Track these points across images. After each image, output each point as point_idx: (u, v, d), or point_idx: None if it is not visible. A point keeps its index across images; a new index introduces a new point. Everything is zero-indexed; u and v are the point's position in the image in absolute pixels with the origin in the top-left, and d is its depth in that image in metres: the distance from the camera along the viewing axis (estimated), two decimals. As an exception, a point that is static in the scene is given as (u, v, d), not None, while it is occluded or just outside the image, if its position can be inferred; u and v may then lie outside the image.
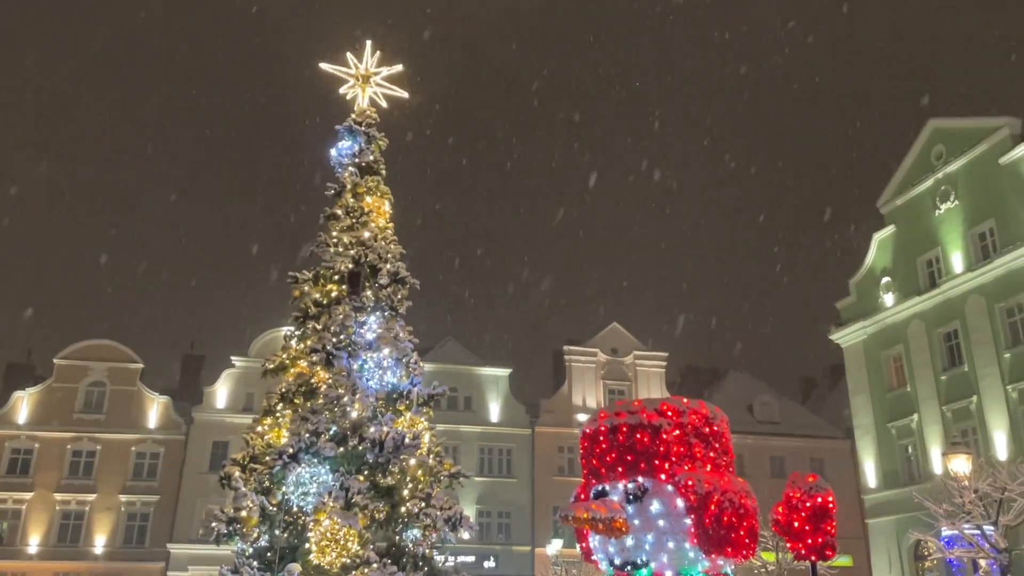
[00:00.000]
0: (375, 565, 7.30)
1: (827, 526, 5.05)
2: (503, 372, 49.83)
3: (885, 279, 35.97)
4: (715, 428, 6.08)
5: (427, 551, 8.22)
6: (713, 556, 5.63)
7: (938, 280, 33.08)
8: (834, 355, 41.56)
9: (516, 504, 46.92)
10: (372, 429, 7.96)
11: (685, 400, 6.09)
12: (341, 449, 7.89)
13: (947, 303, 32.41)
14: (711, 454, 5.97)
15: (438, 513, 8.11)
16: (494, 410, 48.75)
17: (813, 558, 5.04)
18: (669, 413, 5.93)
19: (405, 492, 8.08)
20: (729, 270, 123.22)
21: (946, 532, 15.10)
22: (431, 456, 8.55)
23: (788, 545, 5.17)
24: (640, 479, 5.73)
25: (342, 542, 7.20)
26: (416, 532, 8.21)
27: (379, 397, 8.46)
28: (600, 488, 5.91)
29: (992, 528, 12.60)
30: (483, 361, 50.01)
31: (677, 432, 5.84)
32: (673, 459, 5.73)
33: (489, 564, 43.66)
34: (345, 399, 8.06)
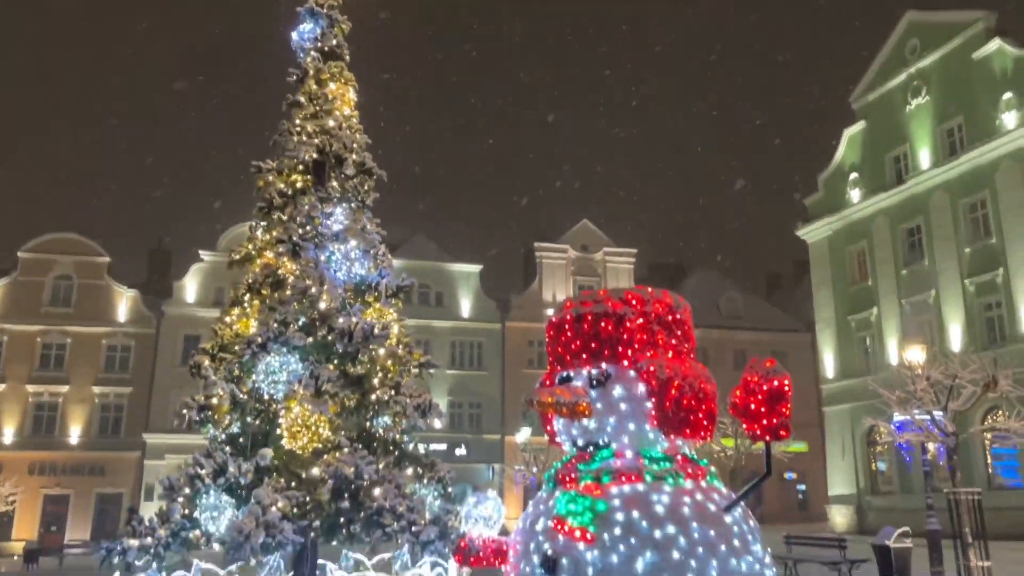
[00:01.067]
0: (346, 450, 7.47)
1: (782, 408, 5.21)
2: (474, 268, 50.04)
3: (853, 175, 36.19)
4: (678, 317, 6.18)
5: (397, 437, 8.40)
6: (672, 437, 5.83)
7: (905, 176, 33.36)
8: (800, 252, 42.10)
9: (486, 395, 48.02)
10: (341, 320, 8.00)
11: (650, 290, 6.17)
12: (310, 339, 7.94)
13: (912, 199, 32.79)
14: (673, 341, 6.09)
15: (408, 401, 8.27)
16: (465, 306, 49.20)
17: (767, 438, 5.23)
18: (633, 302, 6.01)
19: (375, 381, 8.21)
20: (700, 168, 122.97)
21: (898, 418, 15.77)
22: (400, 346, 8.64)
23: (744, 427, 5.34)
24: (604, 365, 5.85)
25: (313, 428, 7.34)
26: (386, 419, 8.38)
27: (347, 289, 8.47)
28: (565, 375, 6.04)
29: (942, 414, 13.18)
30: (454, 257, 50.11)
31: (641, 320, 5.93)
32: (636, 346, 5.84)
33: (460, 452, 44.97)
34: (313, 290, 8.06)
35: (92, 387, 42.99)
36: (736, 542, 5.49)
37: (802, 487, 48.59)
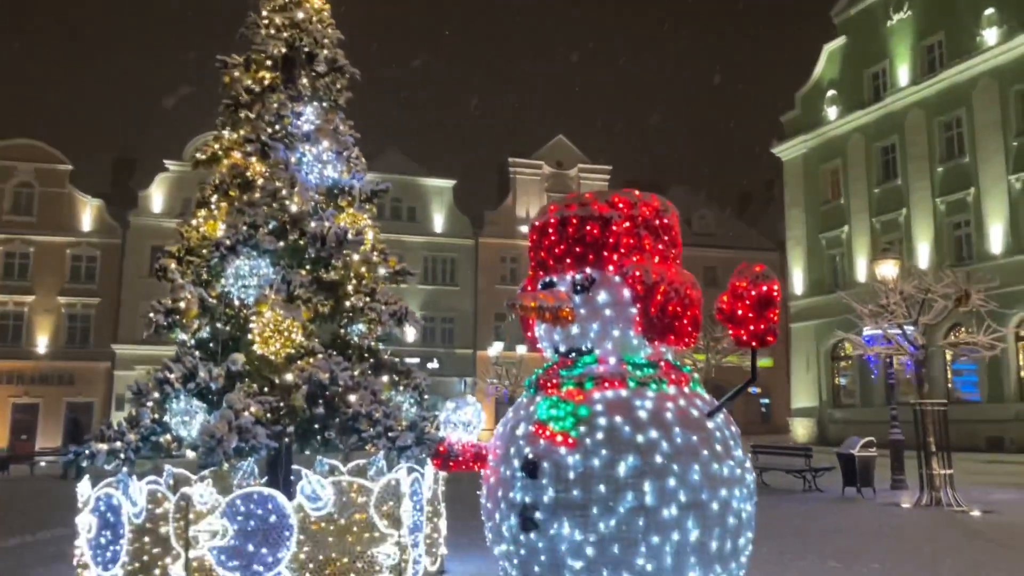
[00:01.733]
0: (320, 356, 7.30)
1: (770, 314, 5.09)
2: (447, 183, 49.44)
3: (831, 92, 35.84)
4: (665, 221, 5.99)
5: (373, 344, 8.24)
6: (656, 343, 5.71)
7: (883, 93, 33.11)
8: (773, 171, 42.07)
9: (459, 310, 48.14)
10: (313, 224, 7.72)
11: (637, 192, 5.96)
12: (281, 243, 7.66)
13: (889, 117, 32.62)
14: (660, 246, 5.91)
15: (383, 308, 8.07)
16: (438, 221, 48.78)
17: (754, 344, 5.12)
18: (620, 205, 5.80)
19: (349, 287, 7.98)
20: (676, 84, 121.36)
21: (868, 331, 15.99)
22: (375, 253, 8.39)
23: (731, 333, 5.22)
24: (588, 270, 5.67)
25: (286, 333, 7.15)
26: (361, 326, 8.19)
27: (320, 192, 8.15)
28: (548, 280, 5.86)
29: (912, 327, 13.34)
30: (427, 172, 49.39)
31: (627, 224, 5.73)
32: (622, 251, 5.66)
33: (432, 365, 45.29)
34: (283, 192, 7.74)
35: (58, 297, 42.35)
36: (718, 447, 5.46)
37: (765, 401, 49.87)
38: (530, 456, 5.45)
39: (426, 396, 8.61)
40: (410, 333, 8.74)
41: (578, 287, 5.88)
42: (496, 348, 37.03)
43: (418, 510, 7.66)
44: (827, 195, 35.84)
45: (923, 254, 30.30)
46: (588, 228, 5.87)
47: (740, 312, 5.44)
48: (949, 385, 29.59)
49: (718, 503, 5.35)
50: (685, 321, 5.91)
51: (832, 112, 35.52)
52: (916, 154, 31.24)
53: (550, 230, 6.03)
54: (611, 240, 5.84)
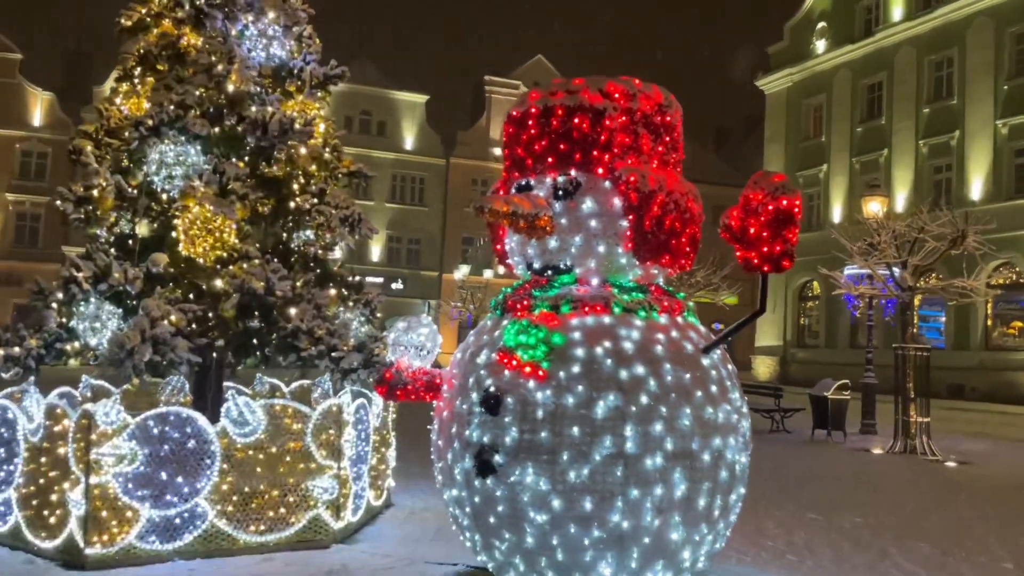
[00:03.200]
0: (256, 261, 6.33)
1: (789, 233, 4.21)
2: (420, 99, 47.62)
3: (821, 24, 34.61)
4: (668, 119, 5.06)
5: (320, 253, 7.27)
6: (648, 264, 4.83)
7: (874, 29, 31.98)
8: (752, 107, 41.03)
9: (426, 231, 46.99)
10: (254, 108, 6.66)
11: (636, 82, 4.98)
12: (216, 128, 6.58)
13: (878, 53, 31.57)
14: (660, 148, 5.00)
15: (333, 212, 7.08)
16: (408, 138, 47.14)
17: (767, 268, 4.26)
18: (616, 96, 4.84)
19: (294, 186, 6.96)
20: (663, 11, 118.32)
21: (850, 271, 15.37)
22: (327, 148, 7.34)
23: (738, 254, 4.34)
24: (573, 172, 4.73)
25: (216, 233, 6.16)
26: (307, 232, 7.19)
27: (264, 73, 7.04)
28: (524, 182, 4.92)
29: (899, 268, 12.67)
30: (399, 85, 47.44)
31: (623, 119, 4.79)
32: (615, 151, 4.73)
33: (397, 286, 44.36)
34: (220, 68, 6.63)
35: (6, 194, 40.42)
36: (714, 388, 4.66)
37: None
38: (492, 389, 4.61)
39: (379, 314, 7.69)
40: (374, 250, 7.74)
41: (560, 192, 4.95)
42: (462, 271, 36.11)
43: (363, 440, 6.84)
44: (808, 132, 34.96)
45: (901, 198, 29.70)
46: (576, 122, 4.89)
47: (753, 230, 4.56)
48: (915, 331, 29.34)
49: (710, 454, 4.56)
50: (683, 239, 5.02)
51: (820, 45, 34.36)
52: (903, 93, 30.35)
53: (529, 122, 5.03)
54: (603, 137, 4.87)
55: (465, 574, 5.52)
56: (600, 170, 4.75)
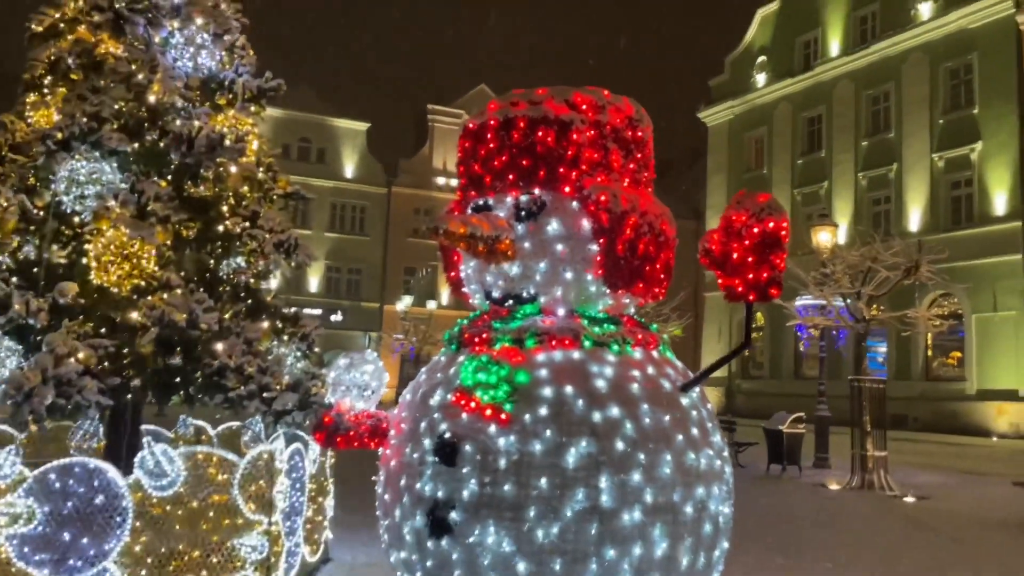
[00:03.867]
0: (179, 291, 5.66)
1: (776, 258, 3.76)
2: (361, 126, 47.03)
3: (761, 58, 35.21)
4: (639, 133, 4.62)
5: (251, 282, 6.62)
6: (620, 292, 4.33)
7: (812, 63, 32.63)
8: (693, 139, 41.53)
9: (367, 261, 46.13)
10: (179, 122, 6.03)
11: (605, 92, 4.52)
12: (136, 144, 5.92)
13: (817, 87, 32.18)
14: (631, 166, 4.55)
15: (267, 236, 6.46)
16: (349, 166, 46.41)
17: (752, 297, 3.80)
18: (583, 107, 4.38)
19: (223, 208, 6.32)
20: (604, 43, 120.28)
21: (801, 301, 15.24)
22: (261, 168, 6.73)
23: (719, 282, 3.88)
24: (537, 191, 4.23)
25: (133, 260, 5.47)
26: (238, 259, 6.54)
27: (191, 84, 6.41)
28: (482, 202, 4.40)
29: (857, 298, 12.48)
30: (340, 112, 46.77)
31: (592, 133, 4.33)
32: (583, 168, 4.26)
33: (336, 318, 43.29)
34: (141, 78, 6.00)
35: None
36: (695, 431, 4.16)
37: (673, 369, 49.87)
38: (447, 435, 4.04)
39: (316, 348, 7.05)
40: (312, 280, 7.13)
41: (522, 212, 4.44)
42: (405, 302, 35.37)
43: (298, 489, 6.16)
44: (750, 164, 35.39)
45: (841, 230, 30.05)
46: (540, 135, 4.41)
47: (736, 255, 4.12)
48: (866, 363, 29.60)
49: (693, 505, 4.05)
50: (658, 265, 4.54)
51: (761, 79, 34.93)
52: (842, 126, 30.92)
53: (488, 135, 4.55)
54: (569, 153, 4.40)
55: (413, 643, 4.87)
56: (567, 188, 4.26)
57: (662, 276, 4.49)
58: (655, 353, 4.37)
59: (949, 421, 26.07)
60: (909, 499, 11.31)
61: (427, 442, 4.06)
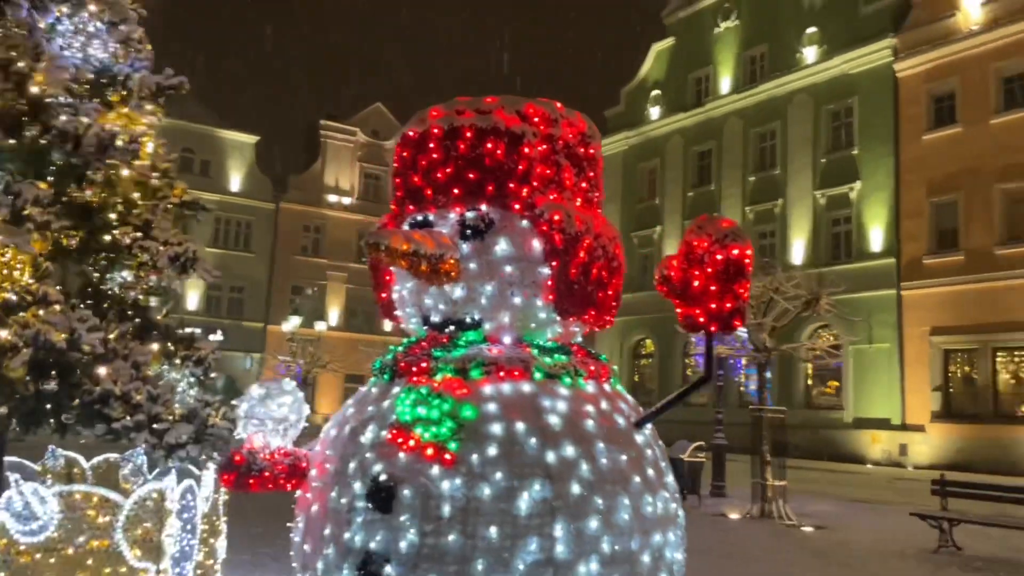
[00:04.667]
0: (58, 307, 4.96)
1: (739, 287, 3.53)
2: (249, 139, 45.40)
3: (655, 92, 36.13)
4: (591, 151, 4.34)
5: (141, 299, 5.94)
6: (571, 320, 3.99)
7: (704, 99, 33.68)
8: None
9: (251, 279, 44.35)
10: (64, 118, 5.32)
11: (558, 105, 4.21)
12: (12, 140, 5.19)
13: (708, 122, 33.22)
14: (583, 184, 4.26)
15: (160, 248, 5.80)
16: (235, 180, 44.66)
17: (714, 328, 3.54)
18: (536, 119, 4.04)
19: (112, 215, 5.64)
20: (503, 69, 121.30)
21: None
22: (156, 173, 6.07)
23: (679, 311, 3.60)
24: (484, 208, 3.85)
25: (5, 270, 4.74)
26: (125, 273, 5.86)
27: (80, 78, 5.72)
28: (421, 218, 3.98)
29: (758, 330, 12.67)
30: (227, 124, 45.02)
31: (544, 147, 4.00)
32: (535, 184, 3.91)
33: (216, 337, 41.27)
34: (22, 66, 5.28)
35: None
36: (650, 471, 3.85)
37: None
38: (382, 478, 3.58)
39: (213, 374, 6.41)
40: (192, 297, 6.50)
41: (468, 230, 4.08)
42: (293, 323, 34.05)
43: (189, 532, 5.51)
44: (643, 194, 36.12)
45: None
46: (489, 147, 4.04)
47: (698, 283, 3.88)
48: (741, 389, 30.52)
49: (650, 554, 3.71)
50: (610, 291, 4.27)
51: (655, 112, 35.81)
52: (731, 162, 31.99)
53: (431, 144, 4.15)
54: (520, 167, 4.05)
55: None
56: (517, 206, 3.91)
57: (613, 303, 4.19)
58: (607, 386, 4.06)
59: (827, 448, 27.09)
60: (807, 529, 11.46)
61: (357, 485, 3.58)
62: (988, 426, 24.20)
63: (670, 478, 4.07)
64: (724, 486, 14.84)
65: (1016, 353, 24.30)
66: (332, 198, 45.94)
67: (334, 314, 44.46)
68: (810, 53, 29.68)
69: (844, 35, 28.51)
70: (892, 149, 27.04)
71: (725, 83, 32.86)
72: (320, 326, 36.77)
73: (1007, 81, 24.91)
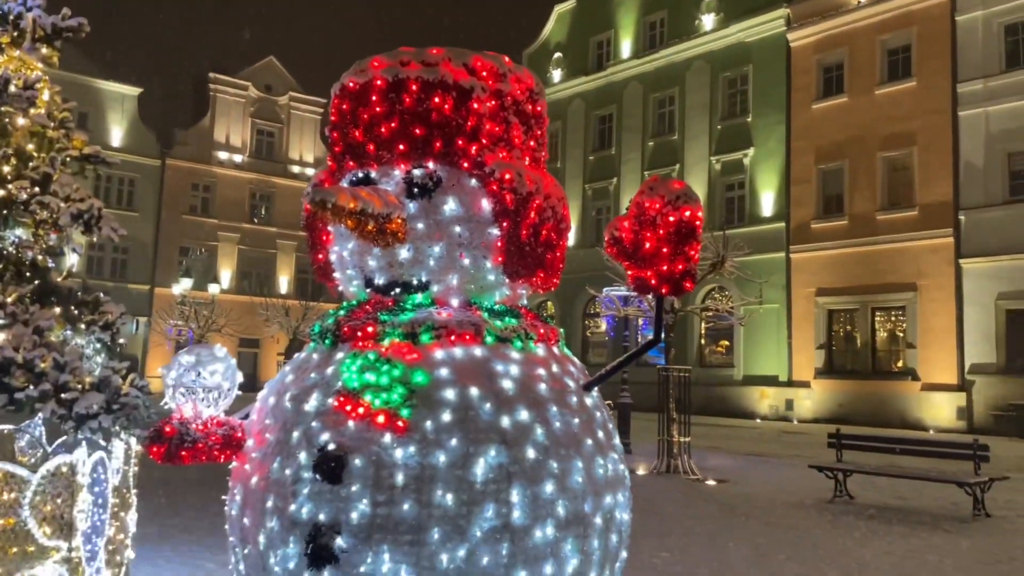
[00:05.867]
0: (-53, 269, 4.51)
1: (691, 249, 3.54)
2: (131, 91, 42.90)
3: (557, 54, 36.11)
4: (539, 108, 4.23)
5: (39, 258, 5.49)
6: (519, 282, 3.91)
7: (605, 63, 33.90)
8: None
9: (136, 240, 42.16)
10: (-52, 58, 4.79)
11: (506, 59, 4.08)
12: None
13: (609, 87, 33.50)
14: (531, 143, 4.16)
15: (61, 205, 5.36)
16: (116, 133, 42.20)
17: (665, 290, 3.54)
18: (484, 74, 3.90)
19: (5, 168, 5.16)
20: (403, 28, 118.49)
21: (613, 292, 15.62)
22: (53, 123, 5.59)
23: (629, 273, 3.59)
24: (432, 164, 3.70)
25: None
26: (22, 232, 5.39)
27: (-36, 16, 5.17)
28: (362, 175, 3.80)
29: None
30: (106, 74, 42.33)
31: (493, 103, 3.87)
32: (484, 141, 3.78)
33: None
34: None
35: None
36: (600, 434, 3.85)
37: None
38: (330, 447, 3.44)
39: (122, 341, 6.02)
40: (71, 257, 6.14)
41: (415, 189, 3.91)
42: (184, 285, 32.65)
43: (100, 506, 5.19)
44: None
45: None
46: (436, 101, 3.87)
47: (649, 244, 3.86)
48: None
49: (602, 515, 3.71)
50: (558, 254, 4.21)
51: (557, 75, 35.82)
52: (631, 126, 32.42)
53: (373, 97, 3.94)
54: (470, 123, 3.91)
55: None
56: (465, 164, 3.78)
57: (560, 265, 4.14)
58: (556, 349, 4.01)
59: (719, 404, 28.21)
60: (711, 482, 11.89)
61: (303, 456, 3.42)
62: (867, 382, 25.72)
63: (617, 440, 4.08)
64: (629, 443, 15.22)
65: (893, 313, 25.83)
66: (223, 155, 44.08)
67: (226, 276, 42.92)
68: (708, 20, 30.25)
69: (740, 3, 29.17)
70: (784, 117, 28.00)
71: (626, 47, 33.16)
72: (213, 288, 35.44)
73: (891, 53, 26.11)
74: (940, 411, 23.75)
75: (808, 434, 21.82)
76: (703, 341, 30.18)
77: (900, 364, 25.43)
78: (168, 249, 42.90)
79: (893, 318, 25.91)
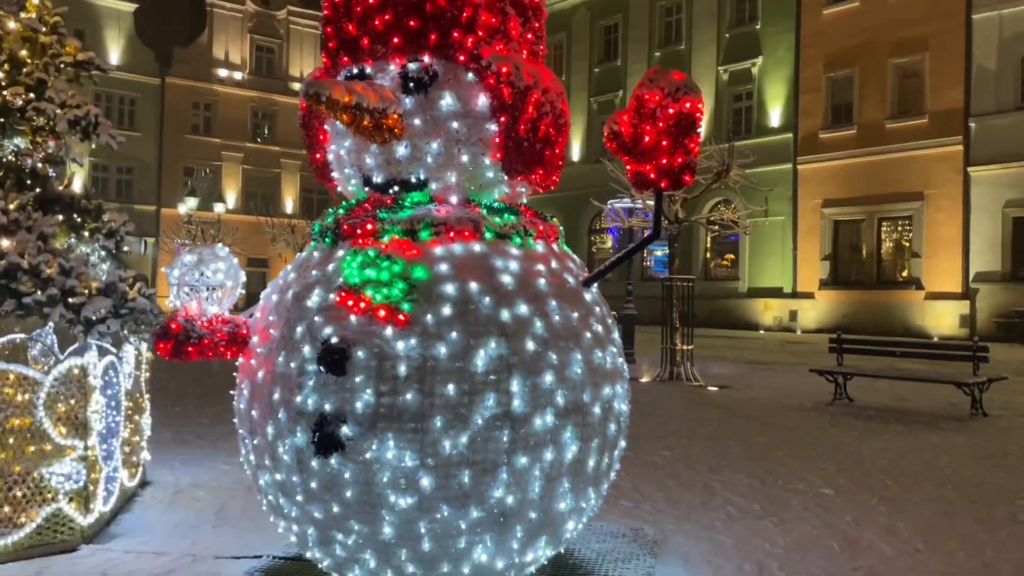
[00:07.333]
0: (-52, 175, 4.52)
1: (691, 142, 3.51)
2: (127, 7, 41.94)
3: (560, -39, 34.97)
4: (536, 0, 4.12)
5: (39, 166, 5.49)
6: (518, 179, 3.91)
7: (610, -30, 32.87)
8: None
9: (139, 160, 41.98)
10: (-66, -41, 4.69)
11: (502, -54, 3.96)
12: None
13: (615, -6, 32.58)
14: (529, 36, 4.09)
15: (58, 112, 5.33)
16: (114, 52, 41.42)
17: (664, 184, 3.54)
18: (478, -38, 3.79)
19: None
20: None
21: (617, 204, 15.56)
22: (45, 28, 5.51)
23: (628, 168, 3.58)
24: (427, 58, 3.66)
25: None
26: (20, 140, 5.38)
27: (-53, -87, 5.03)
28: (357, 70, 3.75)
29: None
30: (100, -11, 41.32)
31: (489, -8, 3.77)
32: (480, 33, 3.71)
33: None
34: None
35: None
36: (599, 327, 3.91)
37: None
38: (334, 341, 3.50)
39: (126, 247, 6.08)
40: (76, 180, 6.13)
41: (412, 83, 3.87)
42: (189, 204, 32.57)
43: (114, 408, 5.34)
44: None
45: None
46: (430, -10, 3.82)
47: (648, 138, 3.83)
48: (644, 263, 31.34)
49: (600, 405, 3.81)
50: (557, 150, 4.19)
51: (559, -17, 34.81)
52: (637, 36, 31.65)
53: (365, -12, 3.87)
54: (465, 15, 3.83)
55: (275, 568, 4.39)
56: (462, 57, 3.72)
57: (560, 163, 4.12)
58: (555, 246, 4.04)
59: (723, 317, 28.41)
60: (713, 388, 12.09)
61: (307, 349, 3.49)
62: (871, 291, 25.80)
63: (615, 334, 4.14)
64: (634, 353, 15.43)
65: (900, 222, 25.69)
66: (222, 72, 43.38)
67: (231, 197, 42.81)
68: (718, -77, 29.20)
69: (750, -96, 28.08)
70: (793, 24, 27.28)
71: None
72: (219, 208, 35.40)
73: (906, -45, 25.24)
74: (943, 319, 23.87)
75: (811, 343, 22.04)
76: (708, 255, 30.18)
77: (905, 274, 25.44)
78: (172, 169, 42.70)
79: (899, 228, 25.79)
